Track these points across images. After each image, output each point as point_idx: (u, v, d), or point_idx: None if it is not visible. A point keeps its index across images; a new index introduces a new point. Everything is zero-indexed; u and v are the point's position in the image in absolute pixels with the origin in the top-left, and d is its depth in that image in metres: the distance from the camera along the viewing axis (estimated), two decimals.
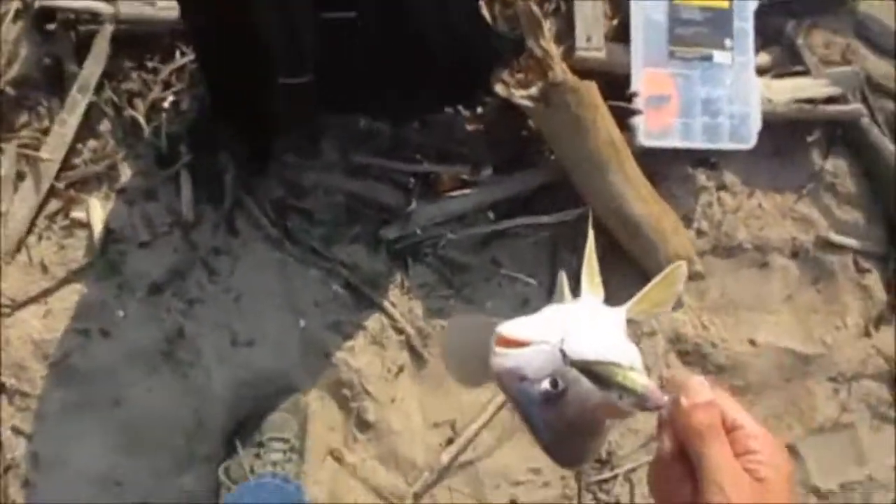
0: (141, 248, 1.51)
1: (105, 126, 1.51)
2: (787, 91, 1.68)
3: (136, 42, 1.50)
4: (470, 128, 1.59)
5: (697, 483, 0.52)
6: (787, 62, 1.74)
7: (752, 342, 1.74)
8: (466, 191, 1.57)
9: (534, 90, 1.39)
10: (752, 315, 1.76)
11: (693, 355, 1.72)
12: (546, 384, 0.51)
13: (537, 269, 1.63)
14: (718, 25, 1.58)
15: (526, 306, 1.65)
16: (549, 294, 1.67)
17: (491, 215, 1.61)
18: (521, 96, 1.39)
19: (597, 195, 1.50)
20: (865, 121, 1.75)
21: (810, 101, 1.68)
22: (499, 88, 1.41)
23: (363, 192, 1.57)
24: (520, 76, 1.41)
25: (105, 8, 1.45)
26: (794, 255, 1.78)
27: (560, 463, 0.56)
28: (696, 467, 0.53)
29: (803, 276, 1.76)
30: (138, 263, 1.50)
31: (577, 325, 0.53)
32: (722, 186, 1.75)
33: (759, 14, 1.66)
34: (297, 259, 1.54)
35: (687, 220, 1.70)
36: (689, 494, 0.52)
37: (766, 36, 1.73)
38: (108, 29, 1.45)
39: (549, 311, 0.56)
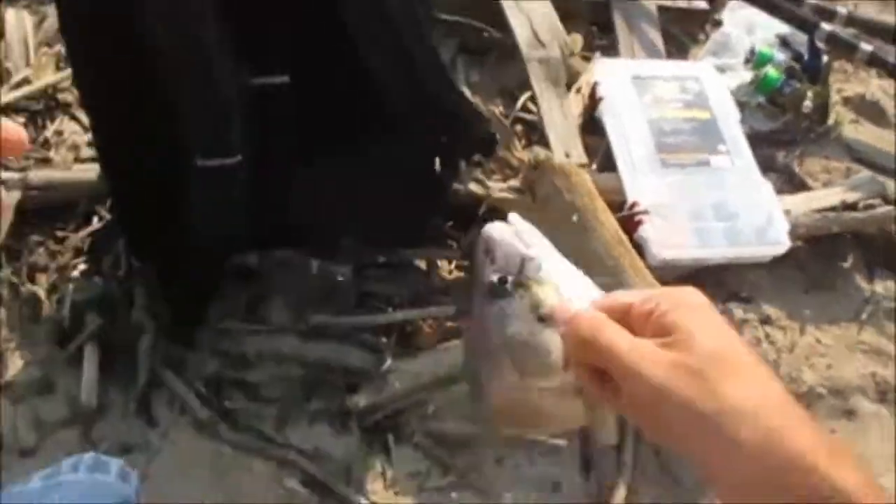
0: (23, 458, 1.10)
1: None
2: (802, 203, 1.47)
3: (48, 210, 1.28)
4: (448, 267, 1.32)
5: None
6: (791, 189, 1.57)
7: None
8: (454, 342, 1.24)
9: (515, 181, 1.16)
10: None
11: None
12: (495, 276, 0.51)
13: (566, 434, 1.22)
14: (707, 133, 1.43)
15: (557, 493, 1.20)
16: (585, 467, 1.24)
17: None
18: (501, 190, 1.15)
19: None
20: None
21: (832, 209, 1.46)
22: (474, 187, 1.18)
23: (324, 358, 1.22)
24: (496, 177, 1.19)
25: (11, 175, 1.26)
26: (883, 395, 1.40)
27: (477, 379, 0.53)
28: (609, 375, 0.46)
29: None
30: (18, 478, 1.07)
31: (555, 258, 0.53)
32: (766, 321, 1.44)
33: None
34: (239, 449, 1.14)
35: None
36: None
37: (759, 166, 1.59)
38: (15, 196, 1.24)
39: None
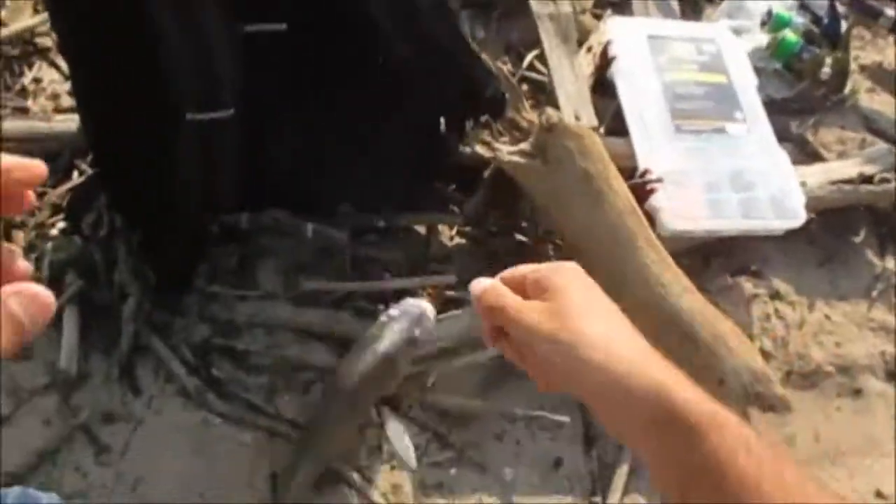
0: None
1: None
2: (818, 174, 1.42)
3: None
4: (450, 233, 1.26)
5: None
6: (805, 159, 1.51)
7: (880, 494, 1.24)
8: (455, 312, 1.18)
9: (525, 145, 1.09)
10: (863, 461, 1.29)
11: None
12: None
13: (565, 408, 1.18)
14: (723, 98, 1.36)
15: (559, 470, 1.16)
16: (587, 444, 1.20)
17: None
18: (510, 153, 1.08)
19: (627, 283, 1.12)
20: None
21: (848, 181, 1.41)
22: (480, 149, 1.11)
23: (316, 325, 1.17)
24: (503, 139, 1.12)
25: None
26: (891, 374, 1.36)
27: None
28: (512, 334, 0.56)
29: None
30: None
31: None
32: (775, 296, 1.39)
33: None
34: (227, 419, 1.08)
35: None
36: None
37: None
38: None
39: None
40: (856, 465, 1.29)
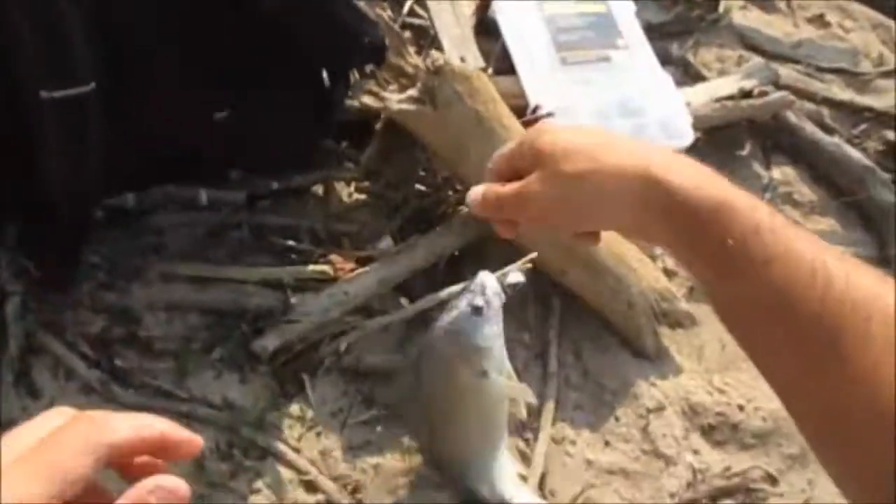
0: None
1: None
2: (702, 93, 1.45)
3: None
4: (348, 190, 1.23)
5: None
6: (688, 80, 1.55)
7: None
8: (363, 269, 1.16)
9: (413, 91, 1.07)
10: None
11: (721, 429, 1.26)
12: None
13: None
14: (604, 27, 1.37)
15: None
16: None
17: (403, 299, 1.19)
18: (399, 101, 1.06)
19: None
20: (793, 119, 1.53)
21: (730, 97, 1.45)
22: (368, 100, 1.08)
23: (221, 302, 1.12)
24: (391, 88, 1.09)
25: None
26: None
27: None
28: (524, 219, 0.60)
29: None
30: None
31: None
32: None
33: None
34: (137, 409, 1.03)
35: None
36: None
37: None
38: None
39: None
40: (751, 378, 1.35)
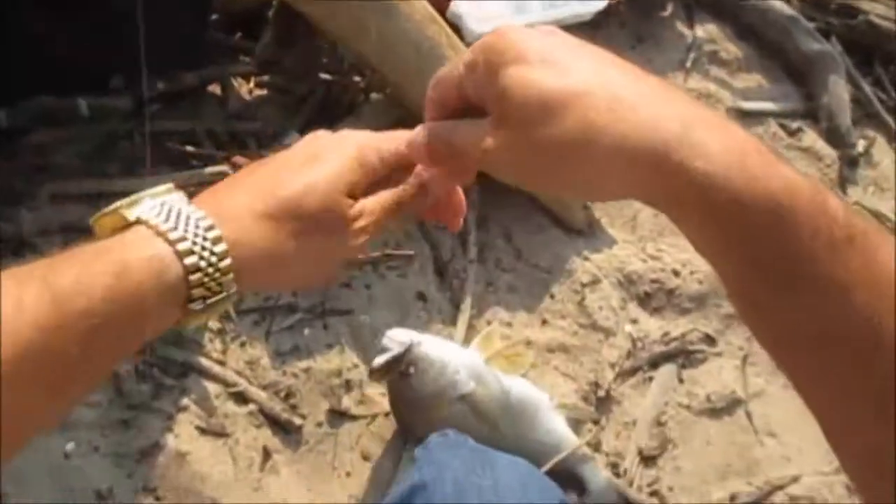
0: None
1: None
2: None
3: None
4: (248, 86, 1.14)
5: None
6: None
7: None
8: None
9: None
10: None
11: (658, 296, 1.25)
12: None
13: (412, 243, 1.14)
14: None
15: (417, 304, 1.13)
16: (438, 274, 1.17)
17: None
18: None
19: None
20: None
21: None
22: None
23: None
24: None
25: None
26: None
27: None
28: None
29: None
30: None
31: None
32: None
33: None
34: None
35: None
36: None
37: None
38: None
39: None
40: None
